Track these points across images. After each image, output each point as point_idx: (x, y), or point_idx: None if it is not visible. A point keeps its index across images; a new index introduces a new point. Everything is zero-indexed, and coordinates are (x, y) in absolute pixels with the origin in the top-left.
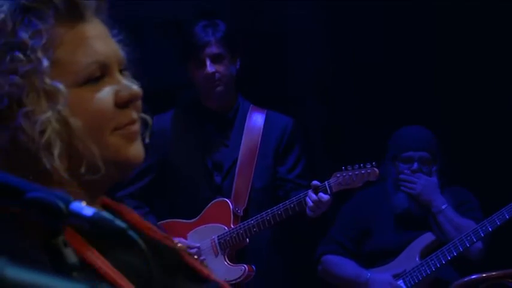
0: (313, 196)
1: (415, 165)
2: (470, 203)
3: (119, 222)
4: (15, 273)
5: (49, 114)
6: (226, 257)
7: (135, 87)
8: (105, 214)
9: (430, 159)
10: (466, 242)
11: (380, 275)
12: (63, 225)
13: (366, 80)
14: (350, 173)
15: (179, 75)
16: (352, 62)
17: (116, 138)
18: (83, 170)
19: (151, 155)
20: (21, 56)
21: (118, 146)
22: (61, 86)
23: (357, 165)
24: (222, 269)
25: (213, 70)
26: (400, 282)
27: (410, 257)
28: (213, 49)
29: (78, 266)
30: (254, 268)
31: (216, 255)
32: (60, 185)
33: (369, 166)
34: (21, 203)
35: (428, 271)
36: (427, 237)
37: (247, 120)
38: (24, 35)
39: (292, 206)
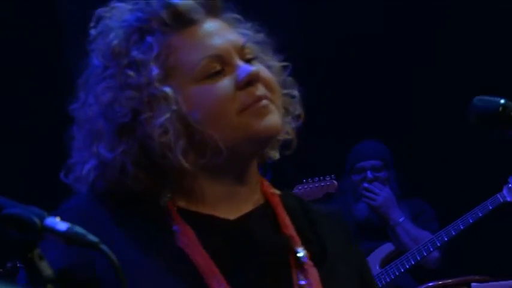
0: None
1: (369, 174)
2: (427, 213)
3: (91, 237)
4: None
5: (167, 115)
6: None
7: (251, 69)
8: (78, 229)
9: (382, 166)
10: (424, 251)
11: None
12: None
13: (328, 96)
14: (311, 185)
15: None
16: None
17: (244, 118)
18: (207, 158)
19: None
20: (132, 72)
21: (247, 124)
22: (168, 89)
23: (317, 178)
24: None
25: None
26: None
27: (370, 266)
28: None
29: (52, 279)
30: None
31: None
32: (194, 177)
33: (328, 179)
34: None
35: (387, 279)
36: (387, 248)
37: None
38: (136, 53)
39: None
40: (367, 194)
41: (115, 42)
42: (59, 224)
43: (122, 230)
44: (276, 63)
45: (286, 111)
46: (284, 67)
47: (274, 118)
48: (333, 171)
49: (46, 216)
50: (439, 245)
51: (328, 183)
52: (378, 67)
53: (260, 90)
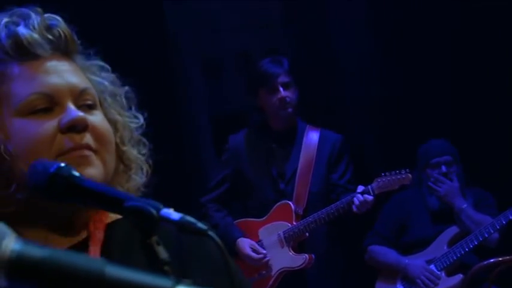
0: (360, 197)
1: (443, 168)
2: (487, 201)
3: (200, 225)
4: (113, 271)
5: None
6: (290, 248)
7: (79, 114)
8: (189, 218)
9: (453, 161)
10: (485, 233)
11: (415, 261)
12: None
13: (398, 101)
14: (388, 178)
15: (249, 102)
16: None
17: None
18: (12, 189)
19: (227, 167)
20: None
21: None
22: None
23: (394, 172)
24: (287, 258)
25: (286, 95)
26: (432, 267)
27: (439, 246)
28: (284, 78)
29: (168, 261)
30: (313, 257)
31: (282, 247)
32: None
33: (403, 172)
34: (121, 210)
35: (454, 257)
36: (453, 230)
37: (304, 138)
38: None
39: (342, 206)
40: (433, 186)
41: None
42: (173, 214)
43: None
44: (124, 119)
45: (127, 167)
46: (141, 126)
47: (93, 172)
48: (405, 166)
49: (161, 207)
50: (498, 227)
51: (403, 176)
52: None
53: (86, 139)
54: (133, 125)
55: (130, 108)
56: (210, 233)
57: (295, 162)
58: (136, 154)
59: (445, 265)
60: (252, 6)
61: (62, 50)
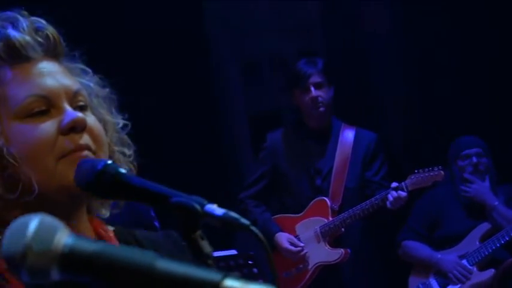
0: (394, 194)
1: (474, 159)
2: None
3: (243, 220)
4: (164, 264)
5: None
6: (326, 243)
7: (78, 115)
8: (232, 213)
9: (483, 153)
10: None
11: (448, 256)
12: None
13: (430, 101)
14: (421, 175)
15: (285, 101)
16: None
17: (62, 166)
18: (17, 193)
19: (266, 164)
20: None
21: (65, 173)
22: None
23: (427, 169)
24: (323, 252)
25: (317, 94)
26: (464, 262)
27: (471, 242)
28: (316, 78)
29: (212, 255)
30: (349, 251)
31: (319, 242)
32: (3, 210)
33: (436, 169)
34: (167, 206)
35: (486, 252)
36: (485, 226)
37: (340, 136)
38: None
39: (377, 202)
40: (463, 188)
41: None
42: (217, 209)
43: None
44: (113, 120)
45: None
46: (124, 125)
47: None
48: (437, 164)
49: (205, 203)
50: None
51: (436, 173)
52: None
53: (84, 139)
54: (119, 126)
55: (112, 109)
56: (253, 228)
57: (331, 160)
58: (123, 155)
59: (477, 260)
60: (290, 9)
61: (51, 52)
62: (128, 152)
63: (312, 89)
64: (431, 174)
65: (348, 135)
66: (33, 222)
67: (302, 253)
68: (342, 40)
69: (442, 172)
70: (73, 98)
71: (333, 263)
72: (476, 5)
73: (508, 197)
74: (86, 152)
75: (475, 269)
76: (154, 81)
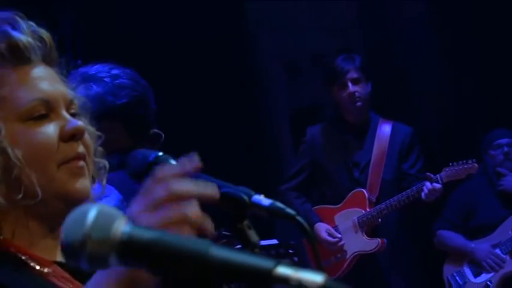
0: (429, 186)
1: (505, 148)
2: None
3: (289, 210)
4: (217, 251)
5: None
6: (364, 233)
7: (79, 123)
8: (279, 204)
9: None
10: None
11: (481, 245)
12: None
13: (465, 94)
14: (456, 168)
15: (325, 97)
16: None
17: (62, 173)
18: (20, 196)
19: (306, 156)
20: None
21: (64, 181)
22: None
23: (461, 162)
24: (361, 242)
25: (354, 90)
26: (497, 251)
27: (504, 231)
28: (353, 74)
29: (259, 244)
30: (385, 241)
31: (356, 232)
32: (5, 212)
33: (470, 162)
34: None
35: None
36: None
37: (377, 130)
38: None
39: (413, 193)
40: (496, 182)
41: None
42: (263, 200)
43: None
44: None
45: (93, 180)
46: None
47: (86, 182)
48: (472, 156)
49: (253, 194)
50: None
51: (470, 166)
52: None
53: (81, 147)
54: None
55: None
56: (298, 218)
57: (368, 153)
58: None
59: (510, 249)
60: (329, 8)
61: (47, 57)
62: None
63: (350, 84)
64: (466, 166)
65: (385, 129)
66: (92, 211)
67: (339, 244)
68: (379, 37)
69: (476, 165)
70: (69, 105)
71: (369, 252)
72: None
73: None
74: (81, 163)
75: (508, 257)
76: (200, 81)
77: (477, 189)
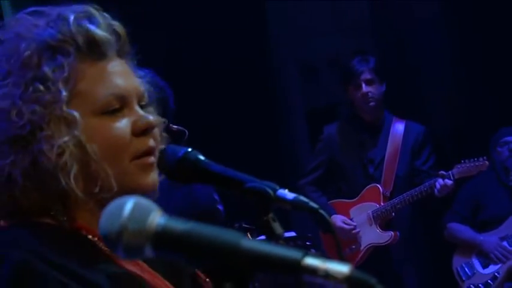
0: (441, 182)
1: (511, 145)
2: None
3: (312, 204)
4: (248, 242)
5: (66, 138)
6: (378, 226)
7: (151, 118)
8: (302, 197)
9: None
10: None
11: (489, 237)
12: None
13: (476, 94)
14: (467, 165)
15: (340, 97)
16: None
17: (134, 167)
18: (97, 189)
19: (323, 153)
20: (41, 87)
21: (135, 175)
22: (77, 114)
23: (472, 159)
24: (375, 235)
25: (368, 90)
26: (505, 243)
27: (511, 225)
28: (367, 75)
29: (282, 236)
30: (398, 234)
31: (371, 225)
32: (75, 203)
33: (481, 159)
34: (241, 190)
35: None
36: None
37: (391, 128)
38: (47, 69)
39: (425, 189)
40: (504, 177)
41: (27, 52)
42: (288, 194)
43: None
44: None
45: None
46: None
47: (155, 176)
48: (482, 154)
49: (278, 188)
50: None
51: (481, 163)
52: None
53: (151, 141)
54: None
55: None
56: (321, 211)
57: (383, 150)
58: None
59: None
60: (345, 10)
61: (121, 51)
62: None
63: (363, 85)
64: (477, 164)
65: (399, 127)
66: (129, 204)
67: (355, 231)
68: (392, 39)
69: (486, 162)
70: (140, 98)
71: (383, 244)
72: None
73: None
74: (152, 158)
75: None
76: (220, 80)
77: (485, 184)
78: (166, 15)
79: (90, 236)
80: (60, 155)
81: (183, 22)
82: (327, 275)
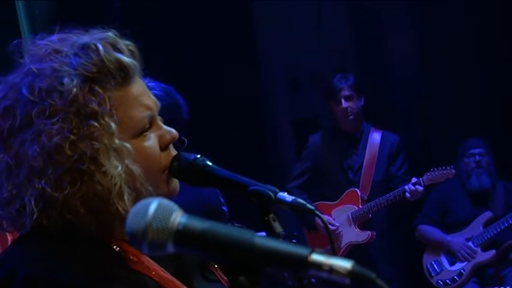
0: (412, 187)
1: (477, 157)
2: None
3: (309, 205)
4: (261, 240)
5: (120, 168)
6: (356, 226)
7: (173, 131)
8: (300, 200)
9: (486, 153)
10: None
11: (456, 238)
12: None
13: (444, 108)
14: (436, 173)
15: (323, 110)
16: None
17: (162, 179)
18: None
19: (308, 160)
20: (95, 123)
21: (165, 183)
22: (128, 145)
23: (440, 167)
24: (354, 234)
25: (346, 106)
26: (470, 243)
27: (476, 227)
28: (346, 92)
29: (283, 235)
30: (375, 233)
31: (350, 225)
32: (121, 220)
33: (448, 168)
34: (245, 193)
35: (488, 236)
36: (487, 214)
37: (369, 138)
38: (94, 105)
39: (399, 193)
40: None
41: (69, 89)
42: (287, 196)
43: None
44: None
45: None
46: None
47: (177, 181)
48: (450, 162)
49: (278, 191)
50: None
51: (448, 171)
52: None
53: (173, 151)
54: None
55: None
56: (317, 212)
57: (361, 157)
58: None
59: (481, 242)
60: (328, 32)
61: (139, 71)
62: None
63: (343, 101)
64: (445, 172)
65: (376, 137)
66: (153, 204)
67: (338, 231)
68: (368, 57)
69: (453, 171)
70: (159, 111)
71: (361, 243)
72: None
73: (505, 190)
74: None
75: (479, 249)
76: (211, 91)
77: (452, 191)
78: (162, 33)
79: (118, 249)
80: (114, 182)
81: (176, 38)
82: (331, 270)
